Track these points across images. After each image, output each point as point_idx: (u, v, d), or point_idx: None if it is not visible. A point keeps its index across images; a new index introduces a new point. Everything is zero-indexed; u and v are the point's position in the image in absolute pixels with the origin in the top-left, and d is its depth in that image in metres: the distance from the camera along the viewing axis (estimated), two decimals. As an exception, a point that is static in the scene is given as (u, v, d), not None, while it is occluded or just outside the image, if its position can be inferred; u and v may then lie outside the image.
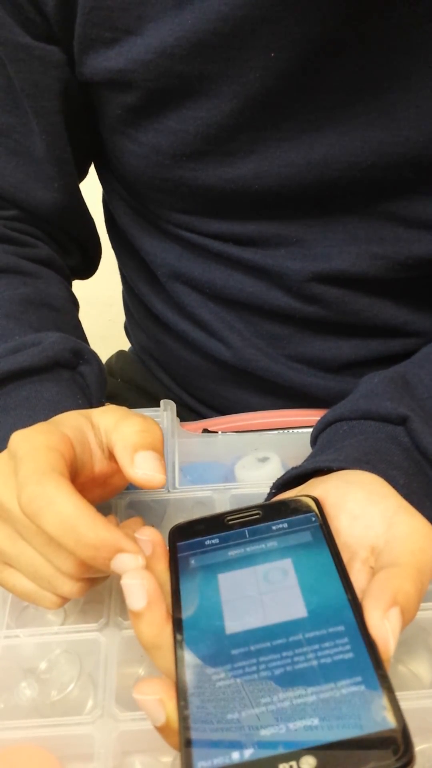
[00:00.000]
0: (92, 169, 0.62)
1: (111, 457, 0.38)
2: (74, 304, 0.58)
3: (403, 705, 0.25)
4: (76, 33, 0.46)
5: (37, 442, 0.34)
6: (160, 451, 0.36)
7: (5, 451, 0.36)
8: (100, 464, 0.38)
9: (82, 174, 0.60)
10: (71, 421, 0.37)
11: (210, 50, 0.43)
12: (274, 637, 0.29)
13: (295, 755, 0.24)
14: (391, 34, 0.42)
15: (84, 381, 0.47)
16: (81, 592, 0.35)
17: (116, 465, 0.37)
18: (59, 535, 0.32)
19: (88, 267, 0.65)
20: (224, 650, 0.29)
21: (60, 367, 0.46)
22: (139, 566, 0.31)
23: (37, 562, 0.34)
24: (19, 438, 0.35)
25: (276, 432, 0.53)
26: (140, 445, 0.36)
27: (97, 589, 0.42)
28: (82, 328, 0.57)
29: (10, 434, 0.36)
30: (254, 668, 0.27)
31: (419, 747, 0.35)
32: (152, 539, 0.33)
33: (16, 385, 0.44)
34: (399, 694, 0.26)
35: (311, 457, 0.42)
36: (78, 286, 0.61)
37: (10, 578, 0.36)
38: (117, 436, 0.36)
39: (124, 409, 0.39)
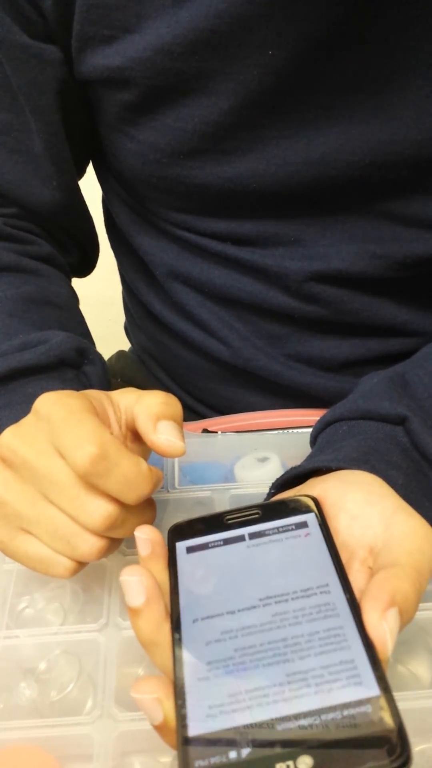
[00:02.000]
0: (92, 169, 0.62)
1: (128, 435, 0.39)
2: (76, 300, 0.59)
3: (403, 705, 0.25)
4: (74, 31, 0.46)
5: (74, 406, 0.35)
6: (181, 424, 0.37)
7: (31, 414, 0.37)
8: None
9: (81, 172, 0.60)
10: (92, 395, 0.38)
11: (207, 48, 0.43)
12: (272, 637, 0.29)
13: (292, 754, 0.24)
14: (388, 32, 0.42)
15: (88, 381, 0.47)
16: (98, 553, 0.35)
17: (132, 444, 0.38)
18: (123, 492, 0.34)
19: (86, 265, 0.66)
20: (222, 649, 0.29)
21: (65, 366, 0.46)
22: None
23: (58, 521, 0.35)
24: (49, 400, 0.36)
25: (276, 432, 0.53)
26: (162, 415, 0.37)
27: (96, 589, 0.42)
28: (85, 324, 0.57)
29: None
30: (252, 668, 0.27)
31: (419, 747, 0.35)
32: (151, 538, 0.33)
33: (21, 382, 0.44)
34: (398, 695, 0.26)
35: (310, 457, 0.42)
36: (78, 286, 0.61)
37: (23, 544, 0.36)
38: (140, 407, 0.37)
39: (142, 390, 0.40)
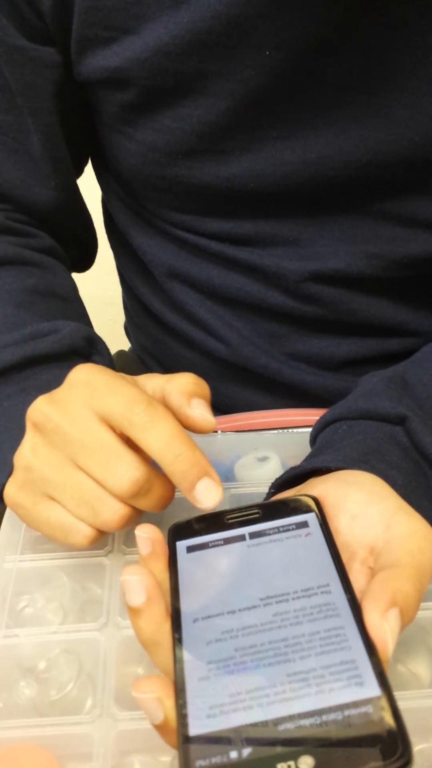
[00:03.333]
0: (91, 169, 0.63)
1: None
2: (78, 292, 0.59)
3: (403, 705, 0.25)
4: (74, 33, 0.46)
5: (114, 374, 0.37)
6: (209, 403, 0.39)
7: (65, 384, 0.38)
8: None
9: (79, 172, 0.60)
10: (123, 376, 0.39)
11: (205, 48, 0.43)
12: (273, 637, 0.29)
13: (294, 755, 0.24)
14: (385, 33, 0.42)
15: None
16: (120, 521, 0.36)
17: None
18: (162, 448, 0.34)
19: (84, 261, 0.66)
20: (223, 649, 0.29)
21: (76, 355, 0.47)
22: (219, 497, 0.35)
23: (84, 486, 0.36)
24: (87, 370, 0.38)
25: (276, 431, 0.53)
26: (195, 393, 0.38)
27: (95, 589, 0.42)
28: (87, 316, 0.58)
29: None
30: (252, 667, 0.27)
31: (419, 747, 0.35)
32: (152, 537, 0.33)
33: (35, 370, 0.45)
34: (398, 694, 0.26)
35: (310, 456, 0.42)
36: (78, 286, 0.61)
37: (45, 510, 0.38)
38: (172, 386, 0.39)
39: None
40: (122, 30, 0.45)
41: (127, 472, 0.35)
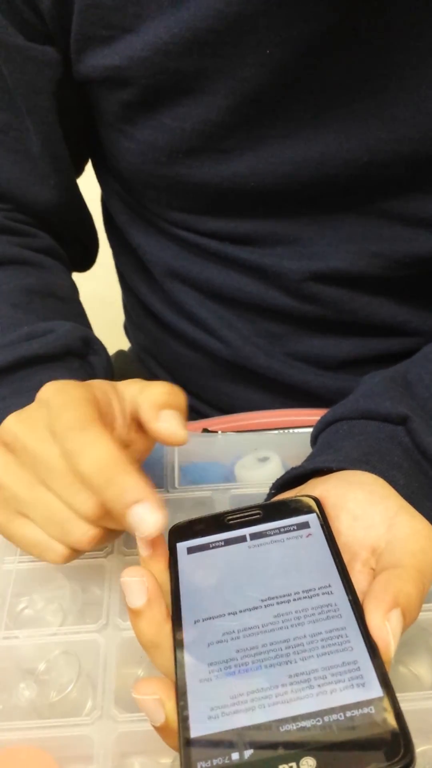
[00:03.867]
0: (91, 168, 0.62)
1: (131, 426, 0.39)
2: (77, 292, 0.59)
3: (404, 706, 0.25)
4: (73, 32, 0.46)
5: (75, 394, 0.36)
6: (184, 414, 0.37)
7: (35, 401, 0.37)
8: (120, 430, 0.38)
9: (79, 171, 0.60)
10: (97, 385, 0.38)
11: (205, 47, 0.43)
12: (274, 638, 0.28)
13: (295, 756, 0.24)
14: (387, 31, 0.42)
15: (92, 370, 0.48)
16: (91, 541, 0.35)
17: (135, 435, 0.38)
18: (92, 475, 0.32)
19: (85, 260, 0.66)
20: (224, 650, 0.28)
21: (71, 355, 0.47)
22: (155, 525, 0.31)
23: (53, 506, 0.35)
24: (53, 389, 0.36)
25: (276, 432, 0.53)
26: (166, 405, 0.37)
27: (95, 590, 0.42)
28: (86, 316, 0.58)
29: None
30: (254, 669, 0.27)
31: (420, 748, 0.35)
32: (152, 538, 0.33)
33: (30, 371, 0.45)
34: (399, 695, 0.26)
35: (311, 457, 0.42)
36: (78, 286, 0.61)
37: (20, 528, 0.37)
38: (143, 397, 0.37)
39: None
40: (122, 29, 0.45)
41: (91, 496, 0.34)
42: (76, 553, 0.36)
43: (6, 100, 0.50)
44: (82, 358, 0.48)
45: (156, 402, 0.37)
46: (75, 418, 0.34)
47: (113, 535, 0.36)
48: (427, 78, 0.44)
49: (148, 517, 0.31)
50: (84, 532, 0.35)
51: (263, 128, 0.47)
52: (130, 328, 0.77)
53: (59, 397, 0.36)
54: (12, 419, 0.37)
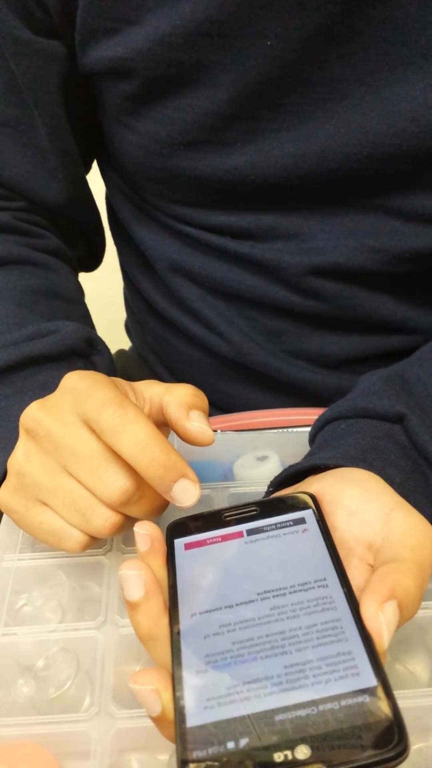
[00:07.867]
0: (96, 166, 0.63)
1: None
2: (82, 294, 0.59)
3: (401, 704, 0.25)
4: (78, 24, 0.47)
5: (100, 378, 0.37)
6: (208, 416, 0.39)
7: (57, 390, 0.38)
8: None
9: (87, 166, 0.61)
10: (116, 380, 0.39)
11: (207, 38, 0.44)
12: (270, 630, 0.29)
13: (290, 744, 0.24)
14: (388, 24, 0.42)
15: (96, 371, 0.48)
16: (111, 528, 0.36)
17: None
18: (135, 453, 0.34)
19: (92, 259, 0.67)
20: (220, 642, 0.29)
21: (75, 355, 0.47)
22: (197, 496, 0.35)
23: (75, 493, 0.36)
24: (77, 376, 0.38)
25: (275, 431, 0.53)
26: (194, 406, 0.38)
27: (94, 587, 0.42)
28: (90, 317, 0.58)
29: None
30: (250, 660, 0.27)
31: (416, 746, 0.35)
32: (150, 534, 0.33)
33: (33, 370, 0.45)
34: (396, 693, 0.26)
35: (309, 455, 0.42)
36: (78, 286, 0.62)
37: (38, 515, 0.37)
38: (170, 397, 0.38)
39: None
40: (125, 21, 0.45)
41: (117, 481, 0.35)
42: (93, 541, 0.37)
43: (15, 95, 0.51)
44: (86, 358, 0.48)
45: (184, 402, 0.38)
46: (108, 396, 0.35)
47: (130, 523, 0.37)
48: (427, 72, 0.44)
49: (192, 489, 0.34)
50: (106, 519, 0.36)
51: (264, 121, 0.47)
52: (131, 325, 0.77)
53: (86, 380, 0.37)
54: (35, 406, 0.38)
